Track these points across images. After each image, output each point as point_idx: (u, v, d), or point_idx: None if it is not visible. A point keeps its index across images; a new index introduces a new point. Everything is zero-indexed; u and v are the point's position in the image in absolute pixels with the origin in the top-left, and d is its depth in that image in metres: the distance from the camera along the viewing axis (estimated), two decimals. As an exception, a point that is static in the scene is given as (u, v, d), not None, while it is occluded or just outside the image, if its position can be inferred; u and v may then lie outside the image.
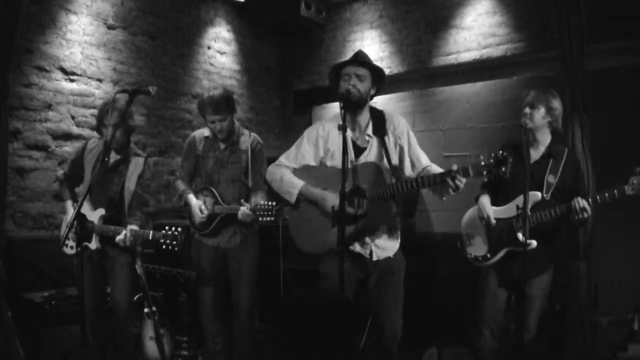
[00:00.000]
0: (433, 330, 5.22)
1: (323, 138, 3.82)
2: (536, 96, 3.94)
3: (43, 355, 4.64)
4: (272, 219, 4.05)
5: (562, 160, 3.92)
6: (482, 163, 3.29)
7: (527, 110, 3.93)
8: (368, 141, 3.76)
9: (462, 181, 3.35)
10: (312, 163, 3.84)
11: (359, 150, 3.74)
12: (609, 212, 4.79)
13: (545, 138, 4.00)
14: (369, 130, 3.76)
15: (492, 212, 4.01)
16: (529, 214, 3.68)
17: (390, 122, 3.79)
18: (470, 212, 4.24)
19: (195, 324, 4.88)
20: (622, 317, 4.57)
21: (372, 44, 7.46)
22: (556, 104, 3.94)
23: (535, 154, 3.99)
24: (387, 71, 7.22)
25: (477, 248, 4.11)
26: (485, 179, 3.44)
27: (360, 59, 3.72)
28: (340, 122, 3.46)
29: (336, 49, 7.83)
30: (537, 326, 3.96)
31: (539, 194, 3.84)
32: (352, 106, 3.66)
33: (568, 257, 4.66)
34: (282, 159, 3.90)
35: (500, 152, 3.23)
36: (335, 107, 7.80)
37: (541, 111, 3.92)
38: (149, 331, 4.87)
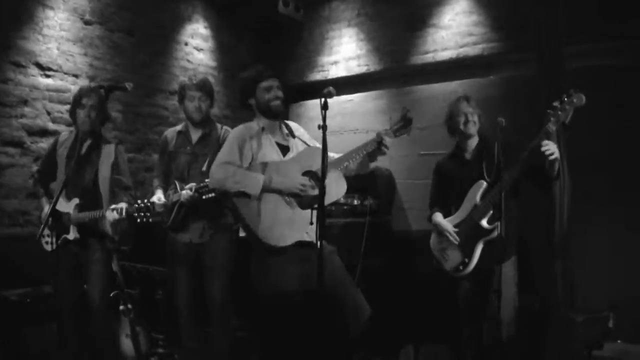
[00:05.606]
0: (409, 328, 5.24)
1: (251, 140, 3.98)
2: (472, 104, 4.24)
3: (20, 354, 4.60)
4: (213, 194, 4.03)
5: (493, 145, 4.01)
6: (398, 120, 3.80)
7: (471, 117, 4.18)
8: (288, 141, 3.98)
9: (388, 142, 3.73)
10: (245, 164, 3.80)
11: (284, 149, 3.92)
12: (586, 209, 4.87)
13: (474, 142, 4.27)
14: (286, 134, 4.04)
15: (449, 223, 4.20)
16: (478, 202, 4.03)
17: (296, 129, 4.10)
18: (434, 234, 4.39)
19: (172, 322, 4.86)
20: (597, 315, 4.62)
21: (349, 42, 7.48)
22: (480, 112, 4.24)
23: (469, 155, 4.26)
24: (364, 69, 7.28)
25: (452, 260, 4.18)
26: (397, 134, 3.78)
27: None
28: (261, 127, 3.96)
29: (314, 46, 7.83)
30: (515, 320, 3.99)
31: (483, 182, 4.04)
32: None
33: (544, 254, 4.74)
34: (226, 158, 3.75)
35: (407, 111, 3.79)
36: (312, 105, 7.83)
37: (476, 117, 4.20)
38: (125, 329, 4.85)
